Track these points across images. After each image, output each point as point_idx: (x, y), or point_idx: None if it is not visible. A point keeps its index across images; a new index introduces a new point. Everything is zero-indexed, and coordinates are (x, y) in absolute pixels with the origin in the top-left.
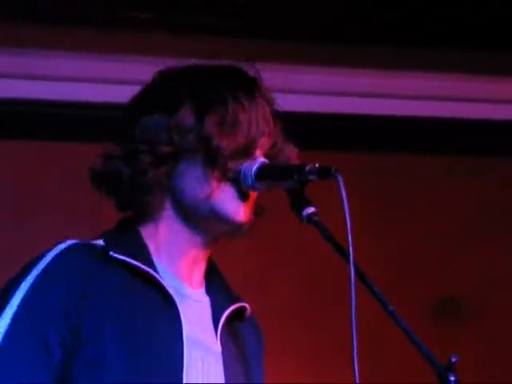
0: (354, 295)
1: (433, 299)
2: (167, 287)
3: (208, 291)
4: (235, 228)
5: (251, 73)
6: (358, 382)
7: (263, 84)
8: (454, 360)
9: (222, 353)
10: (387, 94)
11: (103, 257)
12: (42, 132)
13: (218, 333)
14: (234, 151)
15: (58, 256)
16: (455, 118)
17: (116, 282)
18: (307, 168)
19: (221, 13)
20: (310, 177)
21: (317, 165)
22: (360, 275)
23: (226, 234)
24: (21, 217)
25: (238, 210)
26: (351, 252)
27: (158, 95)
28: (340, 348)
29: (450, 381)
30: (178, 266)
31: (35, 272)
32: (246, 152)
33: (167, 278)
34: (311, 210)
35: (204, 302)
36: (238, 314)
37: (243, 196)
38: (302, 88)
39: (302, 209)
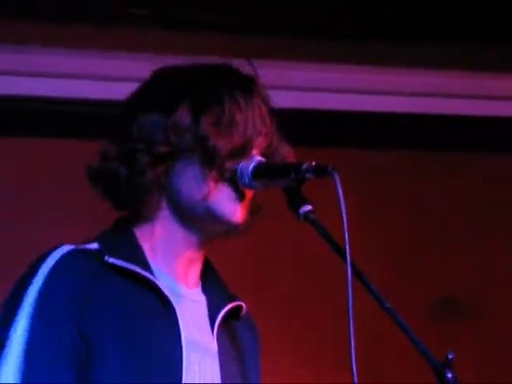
0: (350, 293)
1: (432, 298)
2: (164, 289)
3: (204, 290)
4: (231, 228)
5: (248, 69)
6: (356, 381)
7: (259, 83)
8: (450, 357)
9: (219, 352)
10: (384, 90)
11: (99, 261)
12: (42, 129)
13: (215, 332)
14: (230, 151)
15: (60, 262)
16: (453, 114)
17: (113, 286)
18: (304, 166)
19: (217, 9)
20: (307, 175)
21: (313, 163)
22: (357, 273)
23: (221, 234)
24: (21, 214)
25: (234, 211)
26: (348, 250)
27: (155, 94)
28: (338, 347)
29: (448, 377)
30: (174, 266)
31: (40, 278)
32: (243, 152)
33: (163, 279)
34: (308, 208)
35: (200, 301)
36: (235, 313)
37: (240, 196)
38: (299, 84)
39: (299, 207)
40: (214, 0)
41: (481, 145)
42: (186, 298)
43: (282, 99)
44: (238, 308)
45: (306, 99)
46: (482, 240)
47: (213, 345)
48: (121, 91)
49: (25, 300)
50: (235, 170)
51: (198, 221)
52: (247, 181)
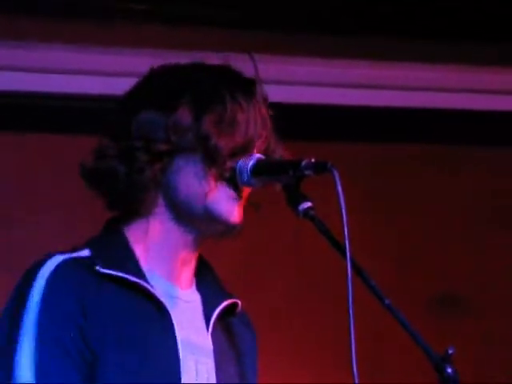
0: (350, 290)
1: (431, 296)
2: (158, 295)
3: (199, 288)
4: (228, 228)
5: (248, 64)
6: (357, 381)
7: (260, 83)
8: (450, 352)
9: (214, 350)
10: (383, 85)
11: (91, 270)
12: (41, 124)
13: (210, 330)
14: (232, 151)
15: (54, 274)
16: (452, 108)
17: (107, 295)
18: (303, 163)
19: (217, 4)
20: (306, 172)
21: (313, 160)
22: (357, 270)
23: (218, 233)
24: (21, 213)
25: (232, 210)
26: (347, 246)
27: (155, 92)
28: (339, 347)
29: (448, 372)
30: (168, 267)
31: (37, 292)
32: (244, 151)
33: (156, 281)
34: (307, 204)
35: (195, 301)
36: (231, 311)
37: (238, 195)
38: (299, 79)
39: (298, 204)
40: None
41: (480, 139)
42: (179, 299)
43: (282, 94)
44: (234, 305)
45: (305, 94)
46: (482, 237)
47: (208, 344)
48: (121, 86)
49: (25, 319)
50: (234, 168)
51: (194, 219)
52: (246, 178)
